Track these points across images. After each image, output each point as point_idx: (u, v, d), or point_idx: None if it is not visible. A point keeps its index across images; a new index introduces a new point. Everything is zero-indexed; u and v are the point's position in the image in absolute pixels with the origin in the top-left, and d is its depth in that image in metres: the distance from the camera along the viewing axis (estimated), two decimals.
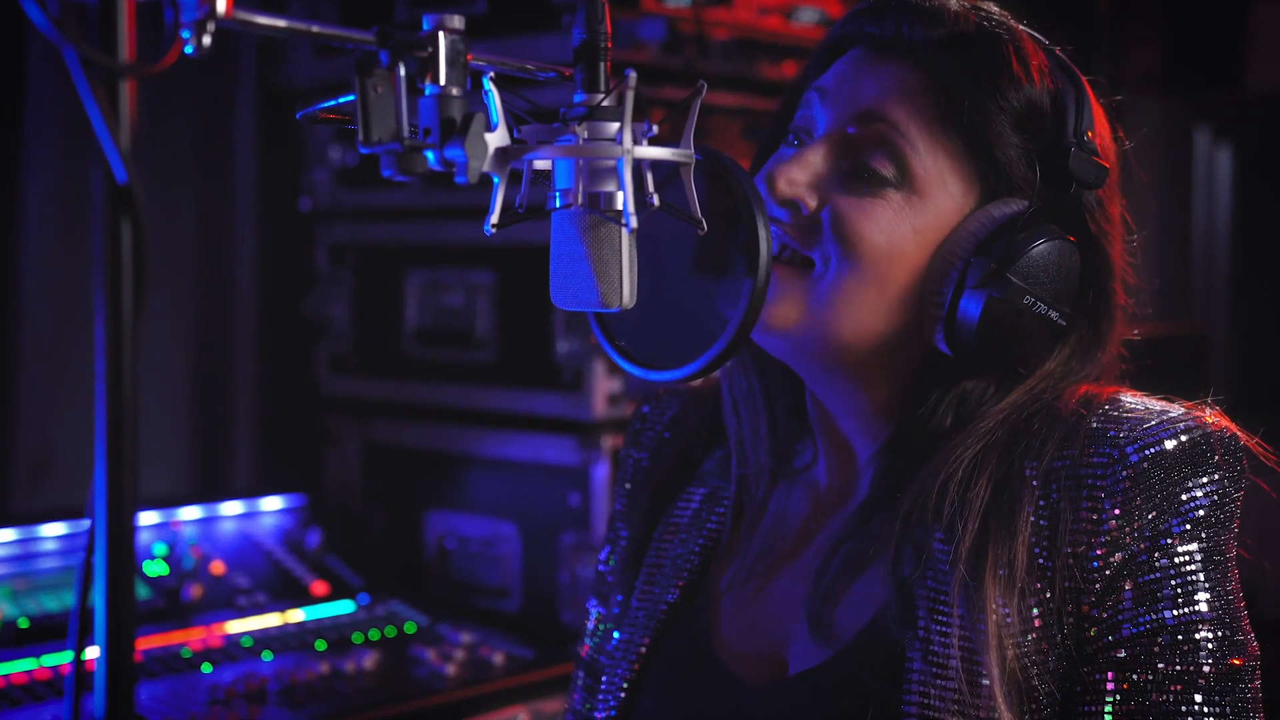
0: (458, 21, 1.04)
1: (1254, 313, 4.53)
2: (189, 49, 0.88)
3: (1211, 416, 1.25)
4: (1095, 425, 1.23)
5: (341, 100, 1.07)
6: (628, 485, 1.55)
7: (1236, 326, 4.54)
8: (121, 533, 0.75)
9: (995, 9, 1.34)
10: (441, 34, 1.04)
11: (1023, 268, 1.24)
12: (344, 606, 2.39)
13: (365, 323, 2.79)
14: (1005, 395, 1.29)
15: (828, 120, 1.31)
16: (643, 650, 1.42)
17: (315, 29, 0.98)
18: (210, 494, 2.51)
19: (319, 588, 2.40)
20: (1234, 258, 4.55)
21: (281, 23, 0.95)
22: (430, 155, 1.04)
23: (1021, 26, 1.34)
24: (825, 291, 1.27)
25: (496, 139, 1.06)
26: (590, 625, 1.56)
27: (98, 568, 0.76)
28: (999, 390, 1.30)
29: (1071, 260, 1.27)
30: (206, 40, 0.88)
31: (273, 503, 2.53)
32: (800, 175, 1.29)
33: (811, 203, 1.28)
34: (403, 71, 1.01)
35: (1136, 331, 1.39)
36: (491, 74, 1.07)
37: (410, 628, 2.33)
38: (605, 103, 1.10)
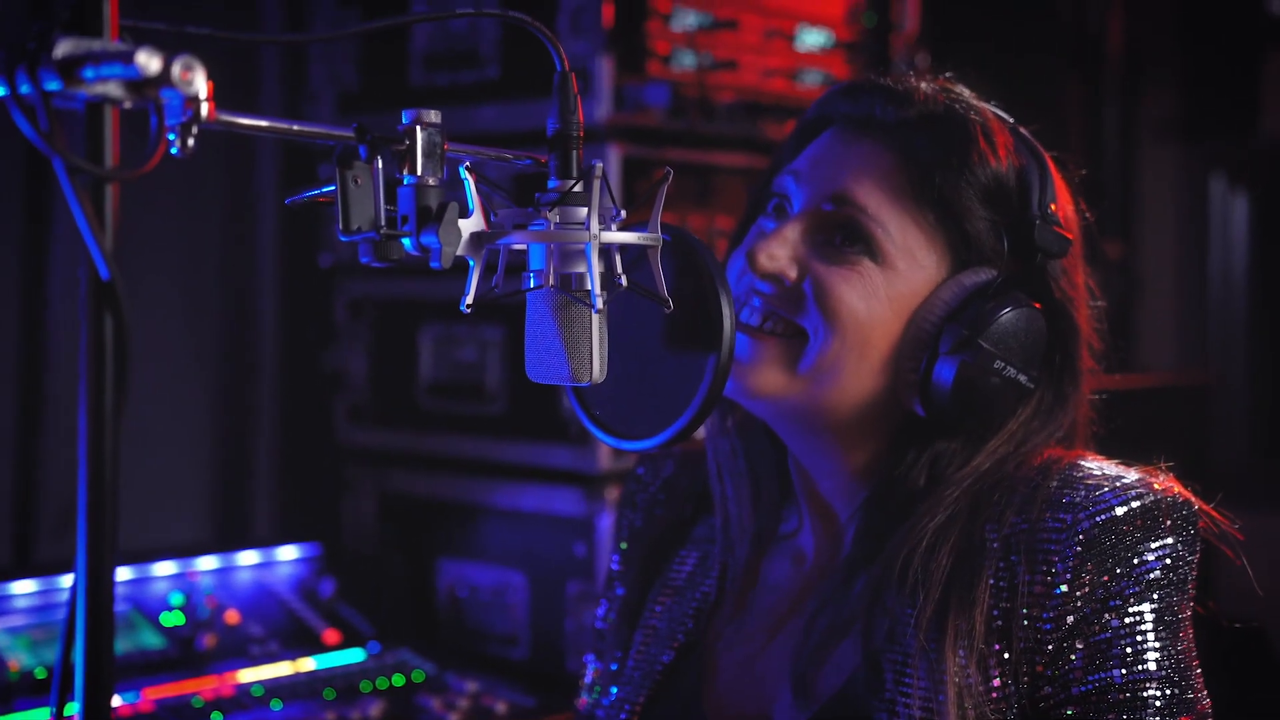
0: (434, 116, 1.11)
1: (1271, 359, 4.54)
2: (174, 150, 0.95)
3: (1163, 482, 1.30)
4: (1052, 491, 1.29)
5: (325, 189, 1.14)
6: (624, 545, 1.61)
7: (1253, 373, 4.55)
8: (100, 612, 0.81)
9: (965, 91, 1.41)
10: (418, 128, 1.11)
11: (993, 334, 1.31)
12: (354, 655, 2.44)
13: (382, 375, 2.86)
14: (973, 455, 1.35)
15: (804, 198, 1.38)
16: (637, 708, 1.48)
17: (296, 127, 1.05)
18: (228, 543, 2.57)
19: (331, 636, 2.46)
20: (1250, 305, 4.57)
21: (264, 123, 1.03)
22: (407, 242, 1.11)
23: (988, 107, 1.40)
24: (813, 359, 1.34)
25: (471, 224, 1.13)
26: (588, 679, 1.61)
27: (76, 632, 0.83)
28: (966, 449, 1.35)
29: (1038, 326, 1.34)
30: (191, 143, 0.95)
31: (289, 552, 2.59)
32: (780, 250, 1.36)
33: (792, 274, 1.35)
34: (380, 165, 1.09)
35: (1102, 395, 1.44)
36: (467, 163, 1.14)
37: (418, 676, 2.38)
38: (576, 189, 1.16)
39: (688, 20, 2.58)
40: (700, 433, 1.53)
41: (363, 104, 2.80)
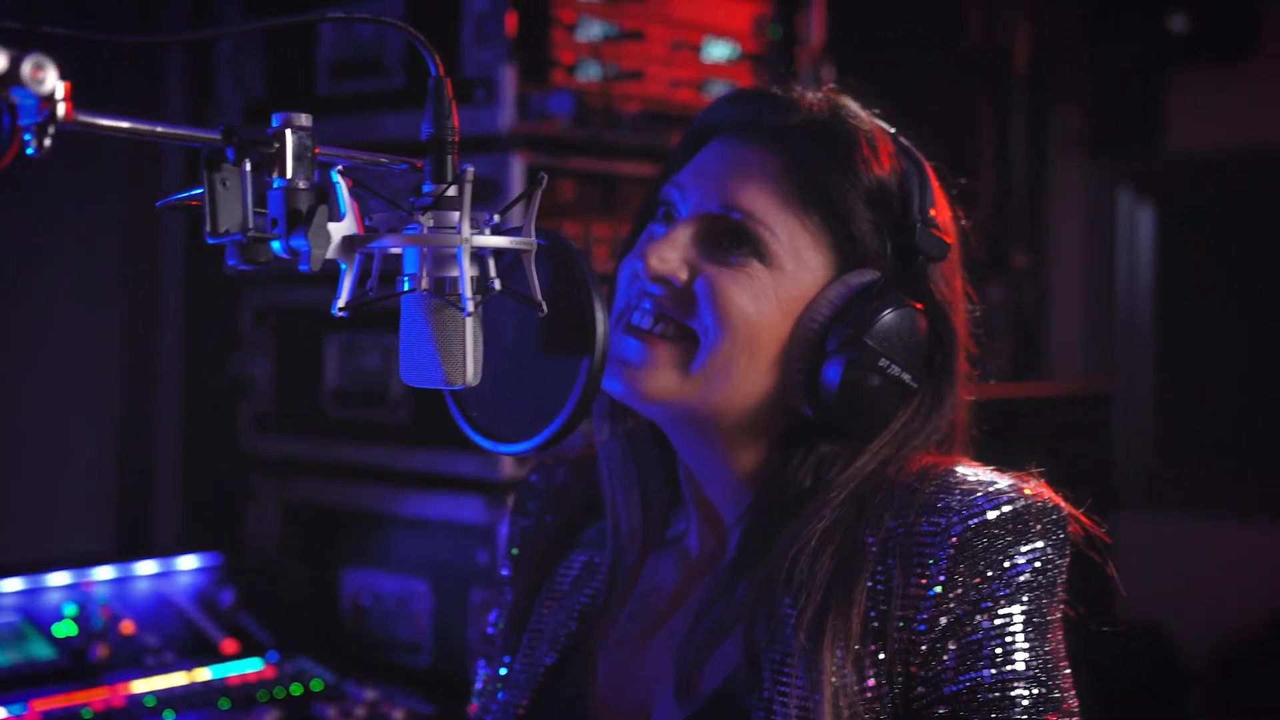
0: (305, 119, 1.11)
1: (1175, 367, 4.64)
2: (30, 150, 0.94)
3: (1034, 488, 1.33)
4: (927, 496, 1.31)
5: (194, 192, 1.13)
6: (514, 551, 1.61)
7: (1158, 380, 4.64)
8: None
9: (849, 100, 1.44)
10: (289, 131, 1.11)
11: (878, 332, 1.33)
12: (252, 664, 2.42)
13: (286, 383, 2.84)
14: (856, 457, 1.37)
15: (694, 201, 1.40)
16: (520, 712, 1.48)
17: (160, 129, 1.05)
18: (126, 553, 2.54)
19: (229, 646, 2.43)
20: (1155, 314, 4.66)
21: (125, 124, 1.02)
22: (276, 245, 1.11)
23: (871, 115, 1.43)
24: (704, 360, 1.35)
25: (343, 228, 1.13)
26: (478, 686, 1.62)
27: None
28: (850, 450, 1.38)
29: (920, 326, 1.37)
30: (47, 143, 0.94)
31: (189, 561, 2.57)
32: (671, 252, 1.37)
33: (683, 276, 1.37)
34: (248, 167, 1.09)
35: (973, 396, 1.47)
36: (339, 167, 1.14)
37: (316, 685, 2.37)
38: (449, 193, 1.17)
39: (593, 30, 2.60)
40: (592, 438, 1.54)
41: (270, 112, 2.77)
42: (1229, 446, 4.53)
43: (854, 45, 3.18)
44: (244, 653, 2.45)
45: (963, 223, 1.47)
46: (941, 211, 1.42)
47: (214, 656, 2.41)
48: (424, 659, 2.60)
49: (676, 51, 2.73)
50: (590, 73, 2.58)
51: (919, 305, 1.37)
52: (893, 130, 1.44)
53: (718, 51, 2.81)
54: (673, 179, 1.43)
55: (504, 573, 1.62)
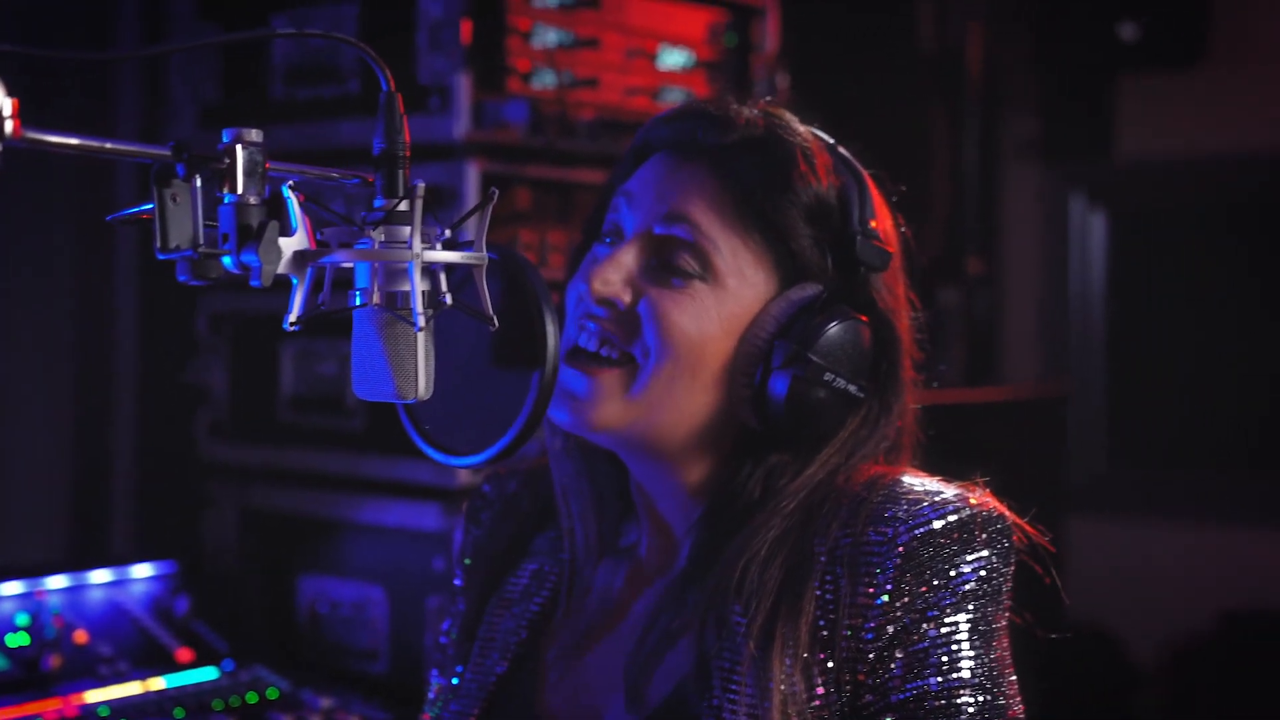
0: (255, 135, 1.12)
1: (1127, 372, 4.69)
2: None
3: (979, 498, 1.35)
4: (874, 506, 1.33)
5: (145, 207, 1.14)
6: (466, 560, 1.62)
7: (1111, 386, 4.69)
8: None
9: (785, 114, 1.45)
10: (239, 147, 1.11)
11: (822, 347, 1.35)
12: (208, 673, 2.42)
13: (243, 390, 2.83)
14: (805, 467, 1.39)
15: (636, 222, 1.41)
16: None
17: (109, 146, 1.05)
18: (79, 562, 2.53)
19: (184, 655, 2.42)
20: (1108, 319, 4.70)
21: (74, 141, 1.03)
22: (227, 260, 1.11)
23: (808, 129, 1.45)
24: (646, 382, 1.37)
25: (295, 243, 1.13)
26: (431, 695, 1.62)
27: None
28: (799, 460, 1.39)
29: (864, 337, 1.38)
30: None
31: (144, 569, 2.55)
32: (614, 275, 1.39)
33: (626, 298, 1.38)
34: (199, 183, 1.09)
35: (920, 403, 1.49)
36: (290, 182, 1.14)
37: (272, 693, 2.37)
38: (401, 208, 1.18)
39: (548, 38, 2.61)
40: (545, 450, 1.55)
41: (224, 119, 2.76)
42: (1180, 450, 4.59)
43: (808, 54, 3.21)
44: (199, 661, 2.44)
45: (904, 230, 1.48)
46: (882, 220, 1.43)
47: (169, 665, 2.40)
48: (380, 666, 2.60)
49: (632, 59, 2.74)
50: (545, 80, 2.59)
51: (863, 317, 1.39)
52: (831, 142, 1.46)
53: (673, 59, 2.82)
54: (621, 188, 1.45)
55: (456, 582, 1.63)
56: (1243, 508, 4.38)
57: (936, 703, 1.28)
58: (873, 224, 1.41)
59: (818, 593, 1.32)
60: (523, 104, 2.49)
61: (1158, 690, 4.38)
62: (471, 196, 2.45)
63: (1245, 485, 4.42)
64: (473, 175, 2.46)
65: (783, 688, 1.29)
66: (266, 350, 2.78)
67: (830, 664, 1.30)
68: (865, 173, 1.44)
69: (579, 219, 2.65)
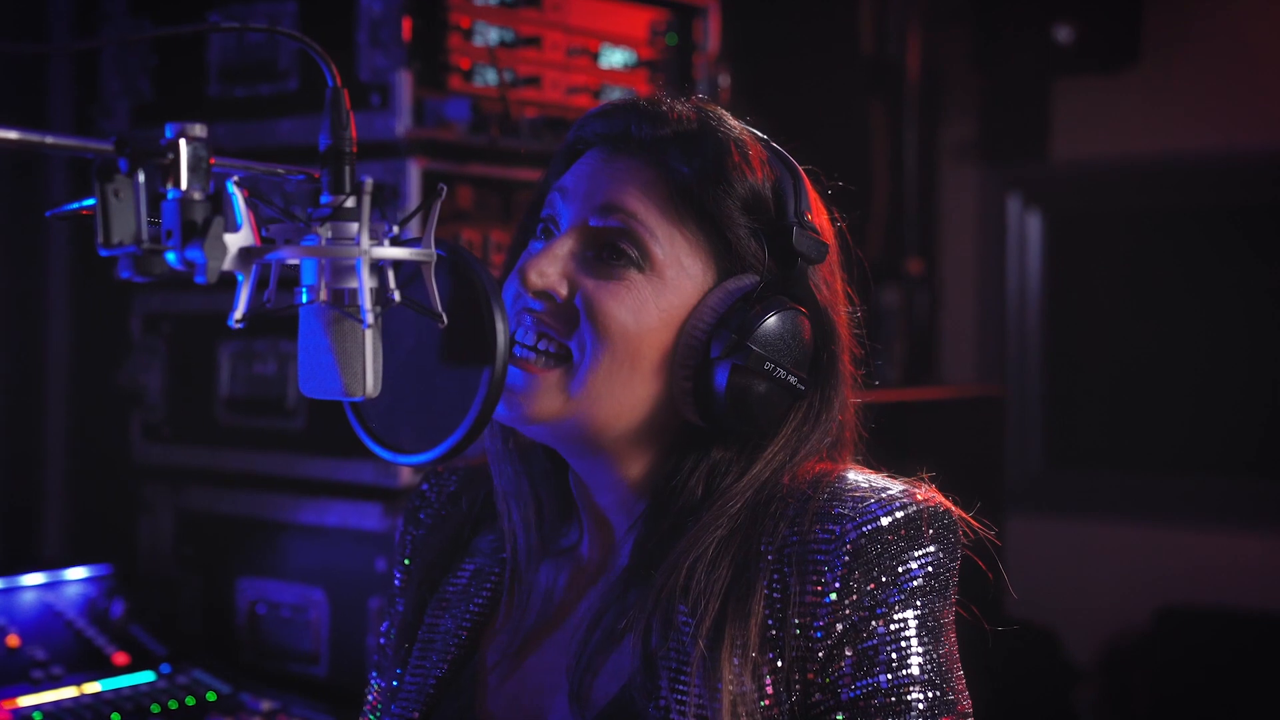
0: (200, 130, 1.10)
1: (1063, 372, 4.74)
2: None
3: (925, 494, 1.35)
4: (821, 504, 1.33)
5: (85, 203, 1.12)
6: (405, 561, 1.60)
7: (1046, 385, 4.74)
8: None
9: (717, 109, 1.45)
10: (183, 141, 1.09)
11: (761, 337, 1.34)
12: (144, 677, 2.38)
13: (179, 391, 2.80)
14: (749, 465, 1.38)
15: (571, 215, 1.40)
16: None
17: (50, 140, 1.03)
18: (11, 565, 2.49)
19: (120, 658, 2.39)
20: (1044, 320, 4.75)
21: (13, 135, 1.01)
22: (171, 256, 1.10)
23: (741, 124, 1.44)
24: (583, 376, 1.35)
25: (240, 239, 1.12)
26: (370, 699, 1.60)
27: None
28: (742, 458, 1.39)
29: (803, 328, 1.38)
30: None
31: (78, 573, 2.52)
32: (550, 267, 1.38)
33: (563, 291, 1.37)
34: (141, 178, 1.07)
35: (859, 400, 1.48)
36: (236, 178, 1.13)
37: (211, 696, 2.34)
38: (348, 204, 1.16)
39: (489, 36, 2.59)
40: (484, 451, 1.53)
41: (159, 117, 2.73)
42: (1115, 450, 4.65)
43: (750, 53, 3.22)
44: (135, 665, 2.40)
45: (840, 224, 1.48)
46: (818, 214, 1.43)
47: (104, 669, 2.36)
48: (321, 668, 2.58)
49: (573, 58, 2.73)
50: (487, 78, 2.57)
51: (801, 308, 1.38)
52: (764, 137, 1.46)
53: (615, 58, 2.82)
54: (555, 185, 1.44)
55: (396, 583, 1.61)
56: (1177, 507, 4.44)
57: (887, 700, 1.28)
58: (809, 216, 1.40)
59: (766, 592, 1.31)
60: (464, 102, 2.48)
61: (1095, 686, 4.43)
62: (413, 195, 2.43)
63: (1179, 484, 4.48)
64: (414, 173, 2.44)
65: (731, 688, 1.28)
66: (204, 351, 2.74)
67: (780, 663, 1.30)
68: (800, 167, 1.44)
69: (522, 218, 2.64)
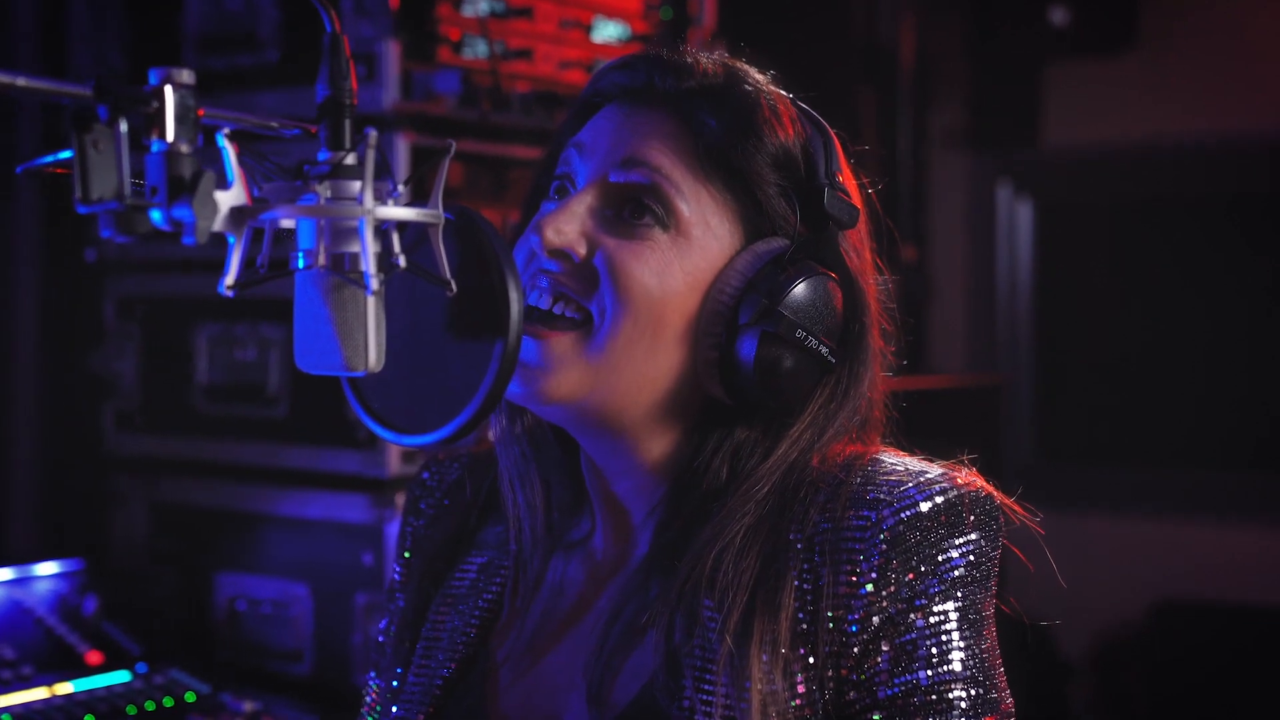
0: (187, 76, 1.00)
1: (1054, 359, 4.69)
2: None
3: (966, 477, 1.27)
4: (855, 488, 1.24)
5: (63, 155, 1.02)
6: (407, 554, 1.51)
7: (1038, 375, 4.69)
8: None
9: (743, 64, 1.36)
10: (169, 88, 0.99)
11: (792, 302, 1.26)
12: (119, 676, 2.31)
13: (154, 378, 2.71)
14: (775, 445, 1.29)
15: (590, 170, 1.31)
16: None
17: (21, 82, 0.93)
18: None
19: (93, 657, 2.32)
20: (1034, 308, 4.71)
21: None
22: (157, 214, 0.99)
23: (768, 79, 1.35)
24: (603, 344, 1.26)
25: (231, 198, 1.02)
26: (369, 698, 1.51)
27: None
28: (767, 437, 1.30)
29: (834, 296, 1.29)
30: None
31: (48, 568, 2.43)
32: (568, 225, 1.28)
33: (581, 250, 1.28)
34: (124, 128, 0.97)
35: (889, 373, 1.40)
36: (227, 130, 1.03)
37: (190, 697, 2.26)
38: (348, 161, 1.07)
39: (480, 6, 2.50)
40: (490, 436, 1.44)
41: None
42: (1107, 441, 4.60)
43: (744, 31, 3.13)
44: (110, 664, 2.33)
45: (869, 190, 1.39)
46: (848, 179, 1.35)
47: (77, 669, 2.29)
48: (305, 667, 2.50)
49: (566, 30, 2.64)
50: (478, 50, 2.48)
51: (833, 274, 1.29)
52: (791, 96, 1.37)
53: (608, 31, 2.73)
54: (566, 145, 1.34)
55: (395, 577, 1.51)
56: (1171, 500, 4.40)
57: (927, 698, 1.20)
58: (840, 178, 1.32)
59: (796, 583, 1.22)
60: (454, 74, 2.39)
61: (1089, 681, 4.39)
62: (400, 171, 2.34)
63: (1174, 477, 4.44)
64: (402, 148, 2.36)
65: (761, 687, 1.19)
66: (180, 336, 2.66)
67: (812, 659, 1.21)
68: (830, 129, 1.35)
69: (513, 196, 2.55)
